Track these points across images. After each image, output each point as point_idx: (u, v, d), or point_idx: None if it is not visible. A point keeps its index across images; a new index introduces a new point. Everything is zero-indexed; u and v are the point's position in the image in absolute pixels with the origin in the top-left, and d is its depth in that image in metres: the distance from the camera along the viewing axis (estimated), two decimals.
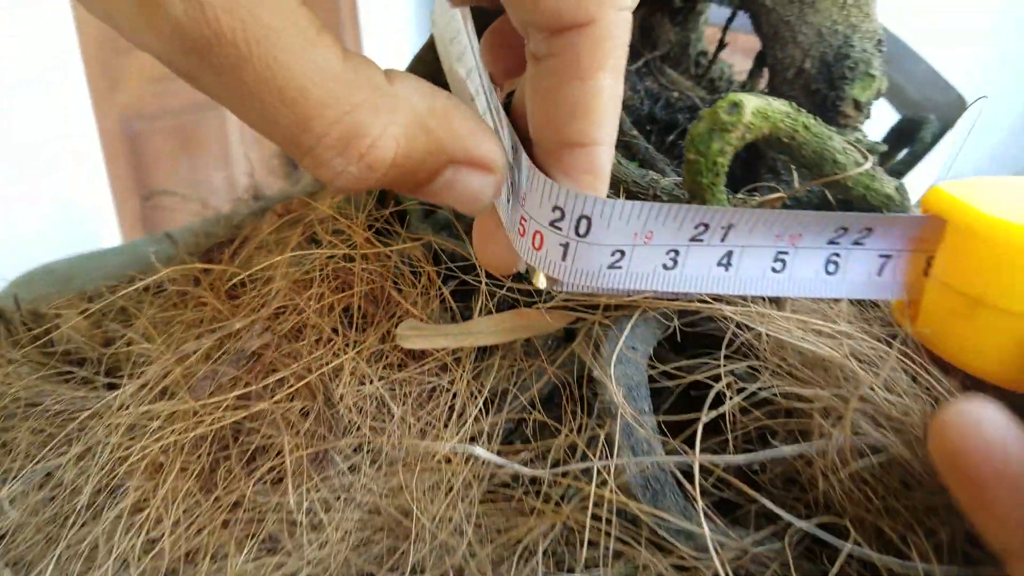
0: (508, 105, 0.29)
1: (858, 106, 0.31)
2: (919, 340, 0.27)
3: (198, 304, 0.32)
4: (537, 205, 0.25)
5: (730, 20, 0.38)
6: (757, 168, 0.31)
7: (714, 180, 0.25)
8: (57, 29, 2.17)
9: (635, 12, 0.23)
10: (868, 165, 0.26)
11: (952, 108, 0.36)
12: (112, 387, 0.31)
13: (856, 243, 0.27)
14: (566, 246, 0.25)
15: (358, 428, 0.29)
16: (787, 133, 0.24)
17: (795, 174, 0.31)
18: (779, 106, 0.24)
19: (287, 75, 0.17)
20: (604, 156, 0.23)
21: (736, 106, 0.24)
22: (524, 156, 0.25)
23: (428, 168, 0.22)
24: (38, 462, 0.28)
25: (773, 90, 0.33)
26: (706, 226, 0.25)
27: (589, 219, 0.24)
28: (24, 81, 2.15)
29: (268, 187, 0.51)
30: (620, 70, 0.22)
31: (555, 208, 0.24)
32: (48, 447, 0.29)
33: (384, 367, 0.30)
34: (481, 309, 0.31)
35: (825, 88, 0.31)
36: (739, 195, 0.28)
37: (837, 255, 0.27)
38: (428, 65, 0.37)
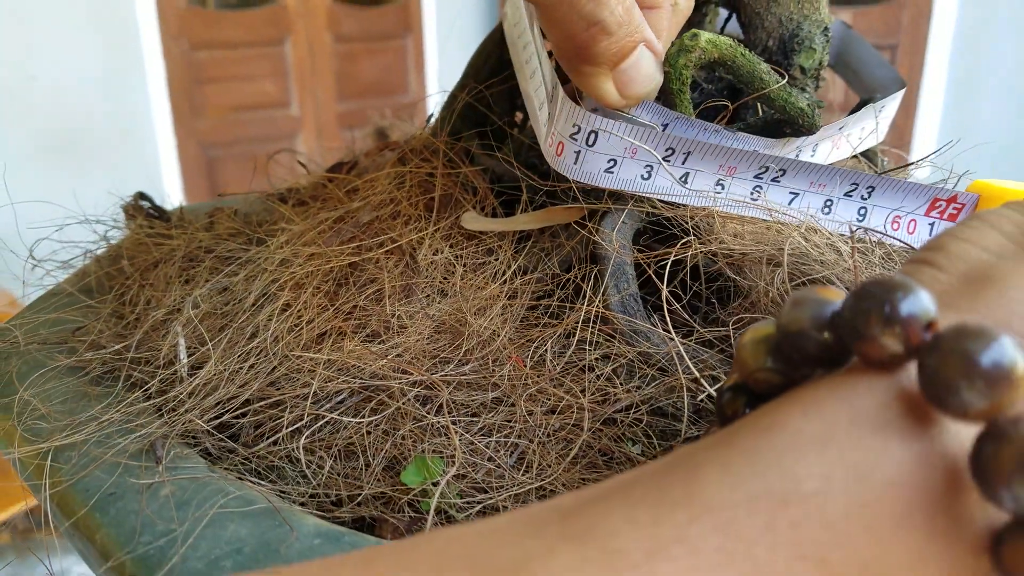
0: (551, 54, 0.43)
1: (803, 71, 0.44)
2: None
3: (326, 198, 0.46)
4: (563, 122, 0.38)
5: (726, 21, 0.52)
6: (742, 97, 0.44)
7: (681, 87, 0.38)
8: (148, 60, 2.38)
9: None
10: (783, 83, 0.39)
11: (893, 85, 0.49)
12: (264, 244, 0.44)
13: (774, 180, 0.39)
14: (578, 153, 0.38)
15: (432, 278, 0.42)
16: (729, 57, 0.38)
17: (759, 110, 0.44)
18: (724, 39, 0.38)
19: None
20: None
21: (695, 35, 0.37)
22: (561, 91, 0.39)
23: (635, 39, 0.35)
24: (218, 280, 0.42)
25: None
26: (672, 150, 0.38)
27: (596, 133, 0.37)
28: (114, 109, 2.36)
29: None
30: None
31: (574, 125, 0.37)
32: (222, 272, 0.42)
33: (451, 244, 0.44)
34: (522, 210, 0.44)
35: (781, 59, 0.44)
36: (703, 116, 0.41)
37: (760, 187, 0.40)
38: (489, 47, 0.51)
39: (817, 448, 0.17)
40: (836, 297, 0.20)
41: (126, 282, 0.45)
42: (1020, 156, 2.52)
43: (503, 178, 0.47)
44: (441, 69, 2.85)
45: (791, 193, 0.39)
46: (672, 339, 0.37)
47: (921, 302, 0.18)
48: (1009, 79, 2.54)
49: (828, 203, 0.40)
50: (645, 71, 0.36)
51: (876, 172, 0.50)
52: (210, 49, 2.49)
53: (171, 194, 2.56)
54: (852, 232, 0.38)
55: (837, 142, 0.45)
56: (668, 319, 0.38)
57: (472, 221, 0.44)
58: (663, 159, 0.38)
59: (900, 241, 0.40)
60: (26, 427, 0.37)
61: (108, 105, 2.39)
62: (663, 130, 0.39)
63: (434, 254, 0.43)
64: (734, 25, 0.53)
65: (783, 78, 0.39)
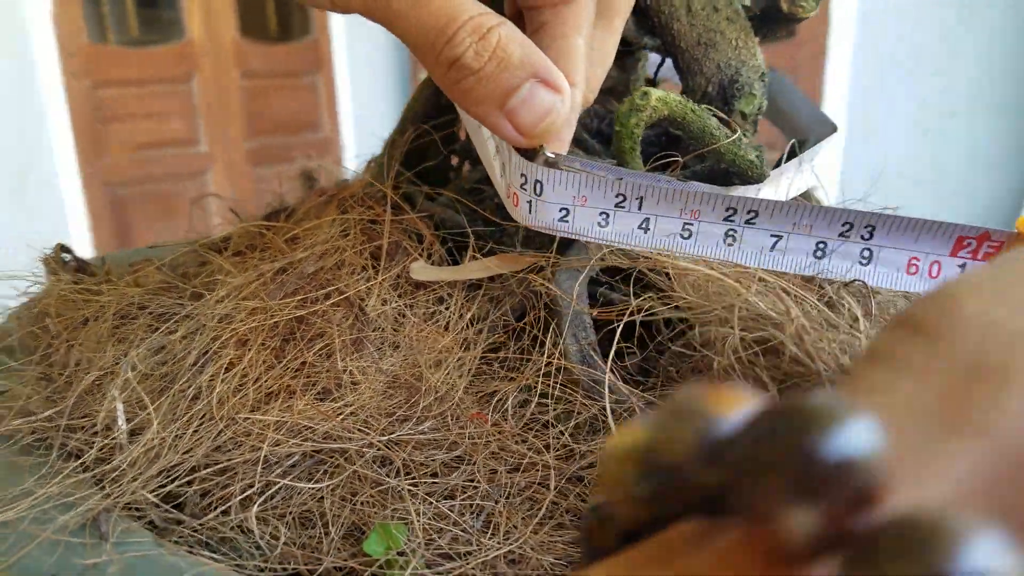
0: None
1: (744, 116, 0.44)
2: None
3: (264, 247, 0.44)
4: (513, 172, 0.37)
5: (660, 65, 0.52)
6: (679, 146, 0.44)
7: (632, 145, 0.38)
8: (49, 99, 2.30)
9: None
10: (734, 137, 0.39)
11: (825, 130, 0.50)
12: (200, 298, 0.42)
13: (748, 223, 0.39)
14: (530, 203, 0.38)
15: (383, 329, 0.40)
16: (680, 114, 0.38)
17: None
18: (674, 96, 0.38)
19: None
20: (577, 95, 0.35)
21: (646, 94, 0.37)
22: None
23: (516, 76, 0.32)
24: (154, 339, 0.39)
25: None
26: (624, 196, 0.37)
27: (541, 183, 0.37)
28: (16, 147, 2.26)
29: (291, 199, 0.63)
30: (589, 35, 0.36)
31: (521, 175, 0.37)
32: (158, 331, 0.40)
33: (399, 294, 0.42)
34: (470, 257, 0.44)
35: (721, 104, 0.45)
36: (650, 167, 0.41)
37: (734, 231, 0.39)
38: (426, 91, 0.51)
39: None
40: (737, 406, 0.14)
41: (52, 342, 0.43)
42: (924, 189, 2.64)
43: (446, 224, 0.46)
44: (355, 106, 2.83)
45: (772, 236, 0.36)
46: (632, 392, 0.36)
47: (858, 451, 0.11)
48: (907, 107, 2.66)
49: (820, 246, 0.36)
50: (538, 107, 0.33)
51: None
52: (115, 87, 2.41)
53: (78, 235, 2.46)
54: (812, 278, 0.37)
55: (779, 188, 0.46)
56: (623, 372, 0.37)
57: (421, 271, 0.43)
58: (616, 206, 0.38)
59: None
60: None
61: (8, 146, 2.29)
62: (611, 178, 0.38)
63: (383, 304, 0.42)
64: (667, 70, 0.54)
65: (733, 132, 0.39)
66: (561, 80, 0.33)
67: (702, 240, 0.36)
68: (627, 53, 0.52)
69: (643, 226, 0.37)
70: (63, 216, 2.41)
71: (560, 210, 0.37)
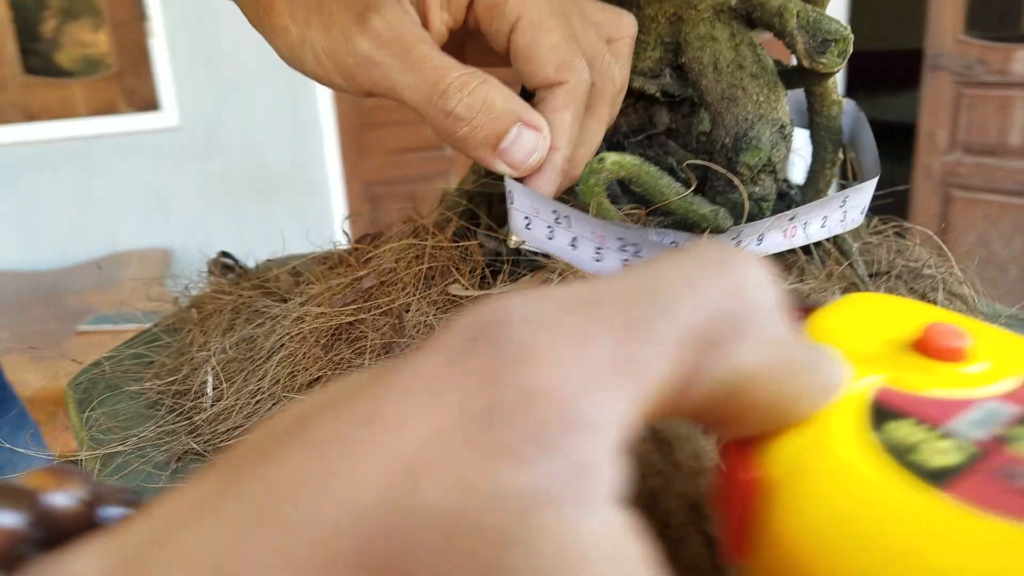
0: None
1: (749, 168, 0.48)
2: None
3: (347, 264, 0.55)
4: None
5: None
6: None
7: (595, 201, 0.44)
8: (322, 108, 2.62)
9: (639, 104, 0.44)
10: (685, 194, 0.44)
11: (872, 171, 0.52)
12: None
13: (636, 255, 0.42)
14: (508, 211, 0.44)
15: (413, 336, 0.50)
16: (634, 175, 0.43)
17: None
18: (630, 159, 0.43)
19: (435, 58, 0.39)
20: (558, 157, 0.42)
21: (601, 159, 0.43)
22: None
23: (503, 120, 0.39)
24: (247, 331, 0.52)
25: (712, 156, 0.51)
26: (557, 213, 0.42)
27: (512, 193, 0.43)
28: (294, 151, 2.60)
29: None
30: (579, 112, 0.43)
31: (506, 188, 0.44)
32: (252, 325, 0.52)
33: (437, 309, 0.52)
34: (503, 280, 0.52)
35: (733, 155, 0.49)
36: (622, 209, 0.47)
37: (627, 261, 0.41)
38: None
39: None
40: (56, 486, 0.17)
41: (191, 327, 0.56)
42: None
43: (496, 252, 0.55)
44: None
45: None
46: None
47: None
48: None
49: None
50: (526, 146, 0.40)
51: (848, 262, 0.54)
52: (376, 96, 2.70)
53: (339, 228, 2.78)
54: None
55: (790, 232, 0.49)
56: None
57: (458, 290, 0.52)
58: (555, 221, 0.42)
59: None
60: (92, 436, 0.48)
61: (285, 145, 2.64)
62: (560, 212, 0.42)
63: (420, 317, 0.51)
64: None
65: (687, 188, 0.44)
66: (540, 121, 0.41)
67: (609, 265, 0.40)
68: (680, 102, 0.57)
69: (573, 243, 0.42)
70: (329, 212, 2.74)
71: (524, 218, 0.42)
